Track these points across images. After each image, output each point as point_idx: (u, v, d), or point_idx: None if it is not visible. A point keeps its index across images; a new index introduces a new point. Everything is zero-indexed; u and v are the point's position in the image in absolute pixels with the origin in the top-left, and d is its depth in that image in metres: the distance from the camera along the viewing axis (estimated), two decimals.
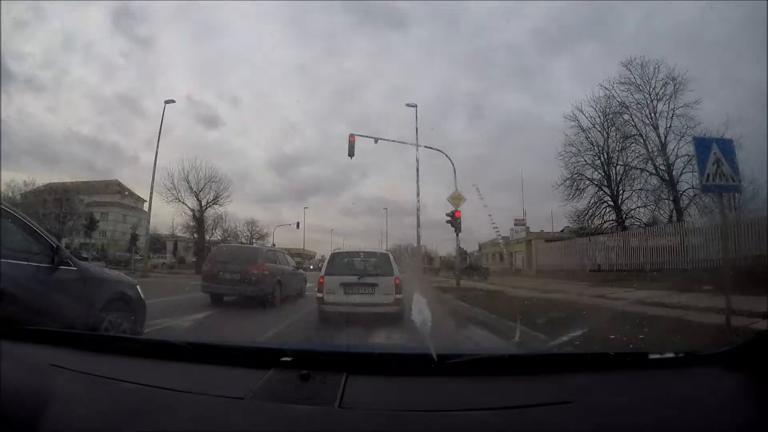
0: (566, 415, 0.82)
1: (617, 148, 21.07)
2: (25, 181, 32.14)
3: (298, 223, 40.22)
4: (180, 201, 28.20)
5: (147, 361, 1.09)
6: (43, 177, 45.49)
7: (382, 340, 5.01)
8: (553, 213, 46.88)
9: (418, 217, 21.09)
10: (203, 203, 28.95)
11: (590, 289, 11.45)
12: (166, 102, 22.14)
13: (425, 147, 18.50)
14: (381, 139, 17.01)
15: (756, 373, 0.92)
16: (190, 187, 28.17)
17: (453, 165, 15.84)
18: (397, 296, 6.12)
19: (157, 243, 45.16)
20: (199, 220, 29.22)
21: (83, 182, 46.58)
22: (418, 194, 20.54)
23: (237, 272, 8.33)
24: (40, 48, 68.90)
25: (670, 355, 1.06)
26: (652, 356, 1.07)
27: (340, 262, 6.65)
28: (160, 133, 22.16)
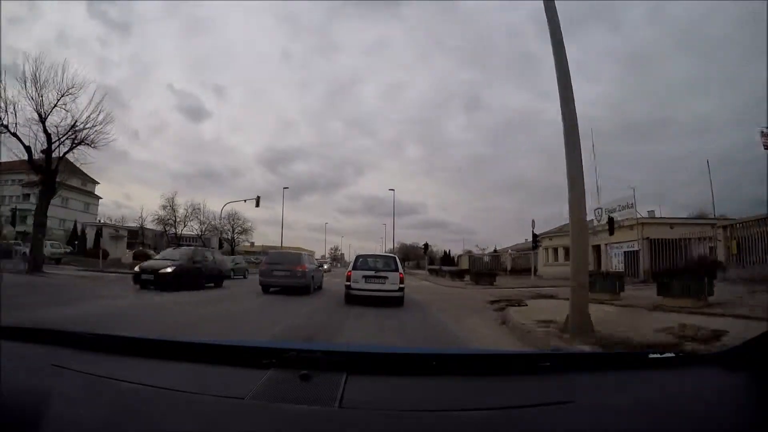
0: (566, 415, 0.82)
1: None
2: None
3: (258, 198, 33.37)
4: None
5: (147, 361, 1.09)
6: None
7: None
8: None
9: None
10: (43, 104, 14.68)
11: None
12: None
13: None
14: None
15: (756, 373, 0.91)
16: None
17: None
18: (401, 285, 9.40)
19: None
20: (47, 152, 15.07)
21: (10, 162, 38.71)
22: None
23: (288, 270, 11.83)
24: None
25: (670, 355, 1.07)
26: (652, 356, 1.08)
27: (361, 261, 9.99)
28: None
